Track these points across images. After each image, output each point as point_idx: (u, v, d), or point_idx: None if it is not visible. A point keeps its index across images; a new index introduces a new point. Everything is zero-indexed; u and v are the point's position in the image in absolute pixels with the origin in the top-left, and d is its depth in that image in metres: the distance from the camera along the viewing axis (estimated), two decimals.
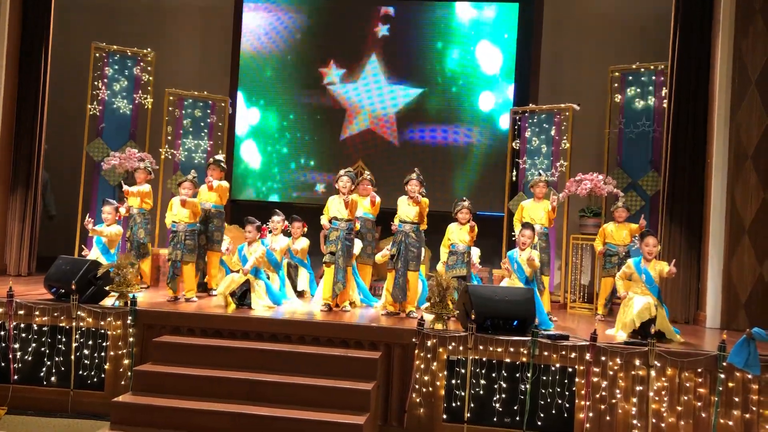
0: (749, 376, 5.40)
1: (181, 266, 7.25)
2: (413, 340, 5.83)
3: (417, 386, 5.80)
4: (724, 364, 5.37)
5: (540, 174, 8.15)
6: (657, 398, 5.52)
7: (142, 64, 9.91)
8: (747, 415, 5.44)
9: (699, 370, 5.52)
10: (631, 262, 6.52)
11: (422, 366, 5.81)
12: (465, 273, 7.07)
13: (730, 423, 5.43)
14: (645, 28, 9.79)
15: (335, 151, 11.17)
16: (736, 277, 7.33)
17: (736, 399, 5.45)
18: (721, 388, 5.42)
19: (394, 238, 7.15)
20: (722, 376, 5.41)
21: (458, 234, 7.16)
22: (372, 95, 11.23)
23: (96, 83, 9.63)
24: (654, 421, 5.51)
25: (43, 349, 6.24)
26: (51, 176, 9.88)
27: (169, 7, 11.32)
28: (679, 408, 5.51)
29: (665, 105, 8.35)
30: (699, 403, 5.50)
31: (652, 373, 5.52)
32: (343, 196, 7.07)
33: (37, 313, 6.25)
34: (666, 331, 6.15)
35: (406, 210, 7.00)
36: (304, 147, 11.30)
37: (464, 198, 7.29)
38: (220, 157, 8.21)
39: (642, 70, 8.99)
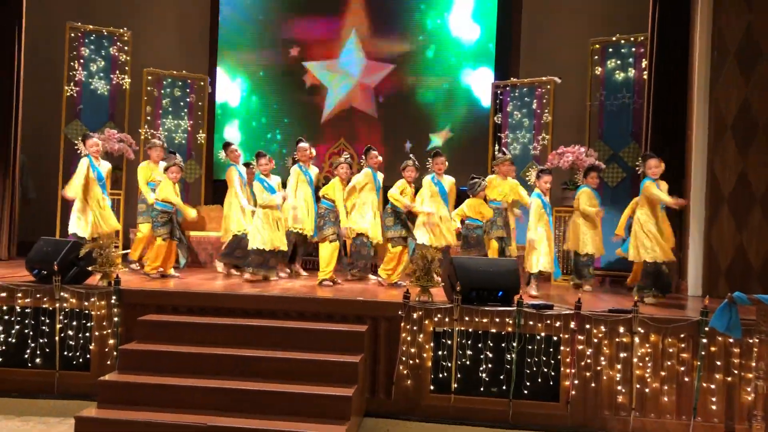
0: (731, 340, 5.49)
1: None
2: (399, 312, 5.85)
3: (404, 358, 5.82)
4: (707, 329, 5.45)
5: (504, 153, 8.22)
6: (641, 364, 5.60)
7: (118, 43, 9.76)
8: (729, 379, 5.53)
9: (682, 335, 5.59)
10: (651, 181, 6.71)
11: (408, 338, 5.83)
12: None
13: (713, 386, 5.52)
14: None
15: (318, 129, 11.15)
16: (716, 245, 7.41)
17: (718, 363, 5.54)
18: (703, 353, 5.50)
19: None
20: (704, 341, 5.49)
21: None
22: (352, 71, 11.19)
23: (72, 64, 9.48)
24: (638, 386, 5.59)
25: (26, 331, 6.17)
26: (29, 159, 9.75)
27: None
28: (663, 373, 5.60)
29: (645, 77, 8.38)
30: (682, 368, 5.58)
31: (636, 339, 5.59)
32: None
33: (19, 295, 6.18)
34: None
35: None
36: (286, 126, 11.27)
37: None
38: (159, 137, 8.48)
39: (622, 42, 9.01)
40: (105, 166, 7.64)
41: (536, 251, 7.24)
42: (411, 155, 7.74)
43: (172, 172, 7.45)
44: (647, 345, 5.61)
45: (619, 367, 5.63)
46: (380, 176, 7.78)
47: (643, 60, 8.62)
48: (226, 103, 11.34)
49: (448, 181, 7.65)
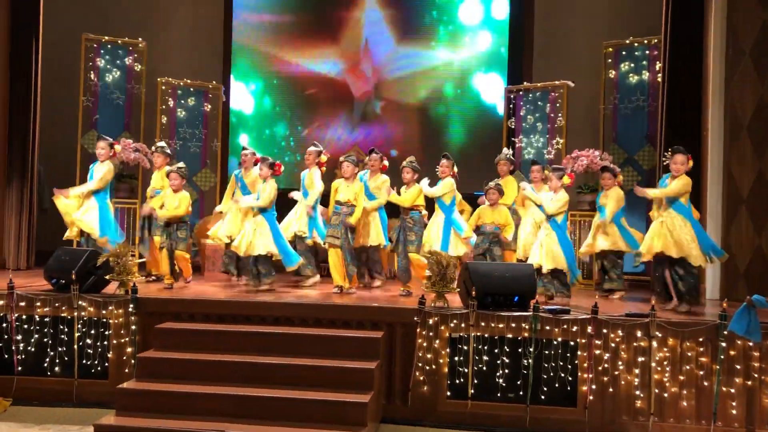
0: (750, 344, 5.43)
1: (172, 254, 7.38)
2: (415, 318, 5.84)
3: (420, 364, 5.82)
4: (725, 332, 5.40)
5: (503, 152, 8.23)
6: (659, 369, 5.55)
7: (134, 54, 9.87)
8: (749, 383, 5.47)
9: (700, 339, 5.54)
10: (659, 182, 6.70)
11: (424, 344, 5.82)
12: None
13: (733, 390, 5.46)
14: (637, 2, 9.75)
15: (335, 139, 11.18)
16: (734, 247, 7.32)
17: (738, 367, 5.49)
18: (722, 357, 5.45)
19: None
20: (723, 344, 5.43)
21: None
22: (364, 77, 11.21)
23: (88, 75, 9.59)
24: (657, 391, 5.54)
25: (45, 339, 6.23)
26: (46, 169, 9.84)
27: None
28: (682, 377, 5.54)
29: (659, 79, 8.33)
30: (701, 372, 5.53)
31: (654, 343, 5.55)
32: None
33: (38, 304, 6.24)
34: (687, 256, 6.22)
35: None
36: (299, 133, 11.31)
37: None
38: (163, 143, 8.33)
39: (635, 44, 8.98)
40: (101, 168, 7.36)
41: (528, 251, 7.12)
42: (410, 156, 7.66)
43: (171, 179, 7.41)
44: (665, 349, 5.57)
45: (637, 371, 5.59)
46: (382, 180, 7.63)
47: (657, 63, 8.57)
48: (240, 111, 11.39)
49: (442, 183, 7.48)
